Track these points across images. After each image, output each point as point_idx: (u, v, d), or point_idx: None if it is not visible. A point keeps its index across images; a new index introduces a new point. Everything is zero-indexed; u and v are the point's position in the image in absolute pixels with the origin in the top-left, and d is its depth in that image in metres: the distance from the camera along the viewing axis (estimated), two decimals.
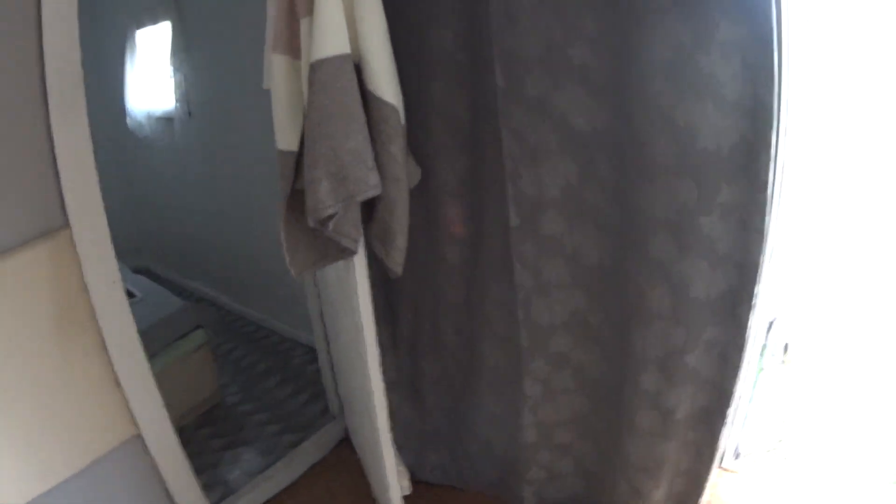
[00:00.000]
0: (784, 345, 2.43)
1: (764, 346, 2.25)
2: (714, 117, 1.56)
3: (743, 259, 1.70)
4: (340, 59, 1.62)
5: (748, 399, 2.31)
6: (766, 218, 1.64)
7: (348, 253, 1.86)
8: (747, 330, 1.79)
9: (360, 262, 1.90)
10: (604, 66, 1.71)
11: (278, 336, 4.29)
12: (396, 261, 1.90)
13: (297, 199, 1.80)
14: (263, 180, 3.76)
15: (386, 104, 1.73)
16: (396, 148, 1.77)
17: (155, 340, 2.95)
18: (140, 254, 5.69)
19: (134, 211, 5.55)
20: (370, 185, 1.70)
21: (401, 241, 1.87)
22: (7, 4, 1.57)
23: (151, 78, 4.83)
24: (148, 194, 5.49)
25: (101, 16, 5.06)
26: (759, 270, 1.70)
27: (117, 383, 1.93)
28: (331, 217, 1.69)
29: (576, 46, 1.72)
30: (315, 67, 1.60)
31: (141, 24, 4.71)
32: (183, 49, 4.32)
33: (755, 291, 1.73)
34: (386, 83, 1.73)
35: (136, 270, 4.68)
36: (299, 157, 1.77)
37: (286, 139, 1.78)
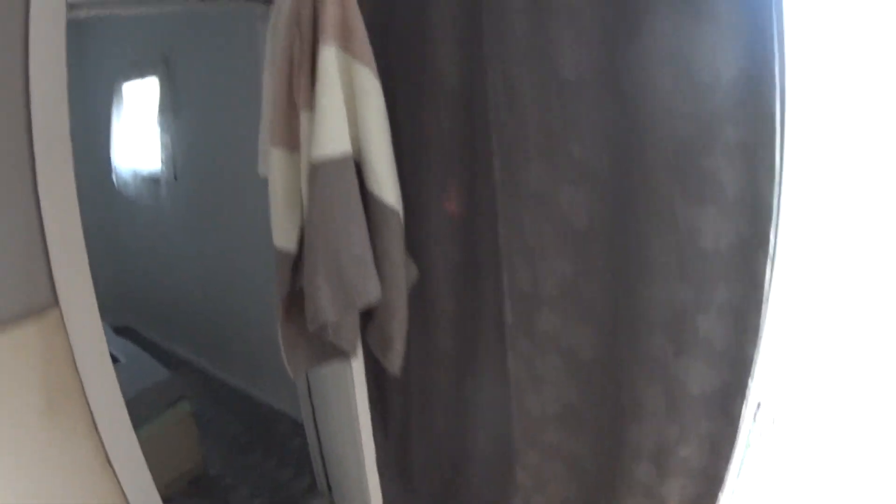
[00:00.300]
0: (770, 419, 2.42)
1: (751, 427, 2.25)
2: (715, 217, 1.57)
3: (737, 355, 1.70)
4: (342, 158, 1.61)
5: (735, 475, 2.30)
6: (762, 314, 1.64)
7: (346, 354, 1.85)
8: (740, 422, 1.78)
9: (357, 363, 1.90)
10: (605, 162, 1.72)
11: (263, 406, 4.21)
12: (394, 363, 1.87)
13: (294, 299, 1.78)
14: (250, 247, 3.76)
15: (387, 207, 1.72)
16: (397, 252, 1.76)
17: (138, 410, 2.91)
18: (122, 312, 5.61)
19: (118, 268, 5.52)
20: (371, 293, 1.69)
21: (399, 345, 1.85)
22: None
23: (138, 135, 4.81)
24: (133, 252, 5.45)
25: (89, 63, 5.09)
26: (752, 365, 1.70)
27: (108, 462, 1.90)
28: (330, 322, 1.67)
29: (577, 141, 1.73)
30: (316, 167, 1.59)
31: (128, 78, 4.72)
32: (171, 109, 4.32)
33: (748, 385, 1.72)
34: (387, 185, 1.72)
35: (119, 329, 4.63)
36: (297, 257, 1.75)
37: (284, 237, 1.77)
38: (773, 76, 1.43)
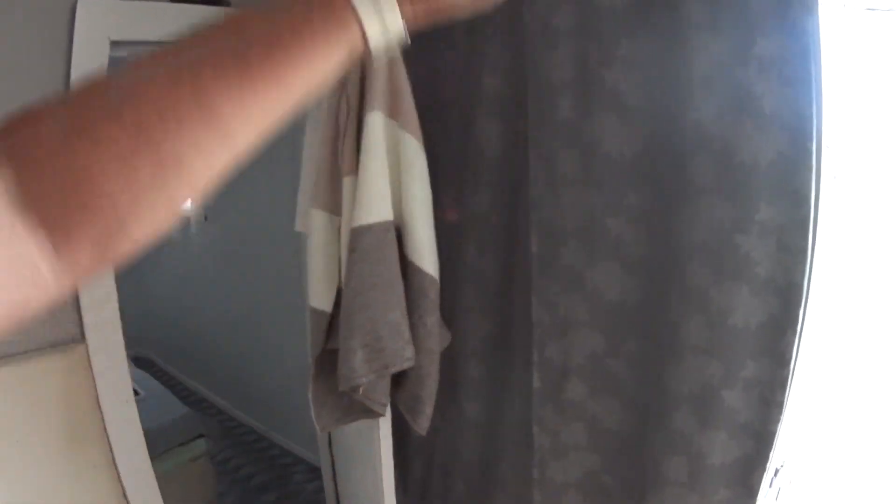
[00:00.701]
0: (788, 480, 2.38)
1: (767, 492, 2.23)
2: (746, 297, 1.57)
3: (761, 430, 1.69)
4: (384, 226, 1.62)
5: None
6: (787, 391, 1.63)
7: (375, 414, 1.86)
8: (758, 495, 1.77)
9: (384, 425, 1.90)
10: (641, 241, 1.73)
11: (279, 448, 4.18)
12: (423, 425, 1.86)
13: (326, 358, 1.79)
14: (276, 292, 3.76)
15: (426, 275, 1.73)
16: (432, 320, 1.76)
17: (155, 445, 2.91)
18: (143, 343, 5.64)
19: (141, 299, 5.52)
20: (406, 359, 1.69)
21: (429, 409, 1.84)
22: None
23: None
24: (158, 286, 5.48)
25: None
26: (775, 439, 1.69)
27: (125, 497, 1.91)
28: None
29: (614, 219, 1.75)
30: (358, 233, 1.60)
31: None
32: None
33: (769, 457, 1.72)
34: (427, 253, 1.72)
35: (138, 360, 4.64)
36: (332, 317, 1.76)
37: (320, 298, 1.78)
38: (810, 159, 1.44)
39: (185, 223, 4.78)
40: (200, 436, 3.29)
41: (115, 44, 1.75)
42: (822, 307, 1.68)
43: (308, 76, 0.52)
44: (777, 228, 1.51)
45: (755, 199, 1.51)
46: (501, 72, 1.91)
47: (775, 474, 2.25)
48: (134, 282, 5.44)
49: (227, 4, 2.04)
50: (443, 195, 1.96)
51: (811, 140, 1.43)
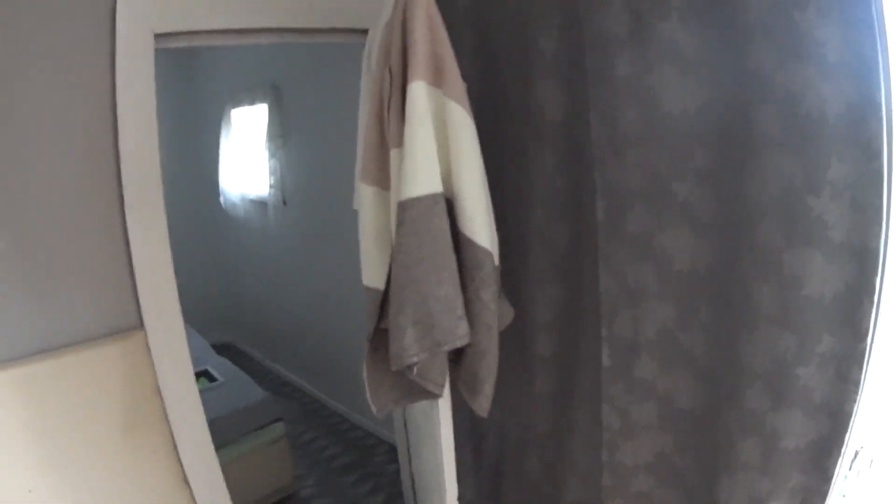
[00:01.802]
0: (868, 461, 2.27)
1: (847, 475, 2.14)
2: (820, 263, 1.50)
3: (837, 409, 1.61)
4: (432, 198, 1.58)
5: None
6: (864, 368, 1.55)
7: (433, 395, 1.82)
8: (833, 478, 1.70)
9: (444, 405, 1.87)
10: (709, 203, 1.66)
11: (362, 430, 4.24)
12: (483, 406, 1.79)
13: (381, 337, 1.76)
14: (355, 274, 3.78)
15: (479, 248, 1.66)
16: (489, 294, 1.69)
17: (233, 428, 2.98)
18: (226, 328, 5.78)
19: (223, 285, 5.66)
20: (459, 336, 1.63)
21: (489, 388, 1.77)
22: (81, 102, 1.63)
23: (247, 160, 4.94)
24: (240, 271, 5.59)
25: (199, 87, 5.28)
26: (851, 420, 1.62)
27: (185, 481, 1.94)
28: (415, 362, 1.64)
29: (681, 181, 1.69)
30: (405, 206, 1.56)
31: (238, 104, 4.84)
32: (280, 135, 4.42)
33: (846, 440, 1.65)
34: (480, 225, 1.66)
35: (221, 345, 4.75)
36: (385, 294, 1.73)
37: (372, 276, 1.76)
38: (879, 110, 1.36)
39: (264, 208, 4.86)
40: (279, 419, 3.34)
41: (159, 36, 1.76)
42: None
43: None
44: (849, 186, 1.42)
45: (825, 154, 1.43)
46: (556, 30, 1.85)
47: (854, 457, 2.15)
48: (215, 268, 5.57)
49: None
50: (507, 162, 1.90)
51: (878, 89, 1.35)
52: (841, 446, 1.65)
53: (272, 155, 4.55)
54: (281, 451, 3.36)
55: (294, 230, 4.67)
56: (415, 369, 1.67)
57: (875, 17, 1.33)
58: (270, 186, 4.65)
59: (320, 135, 4.09)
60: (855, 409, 1.60)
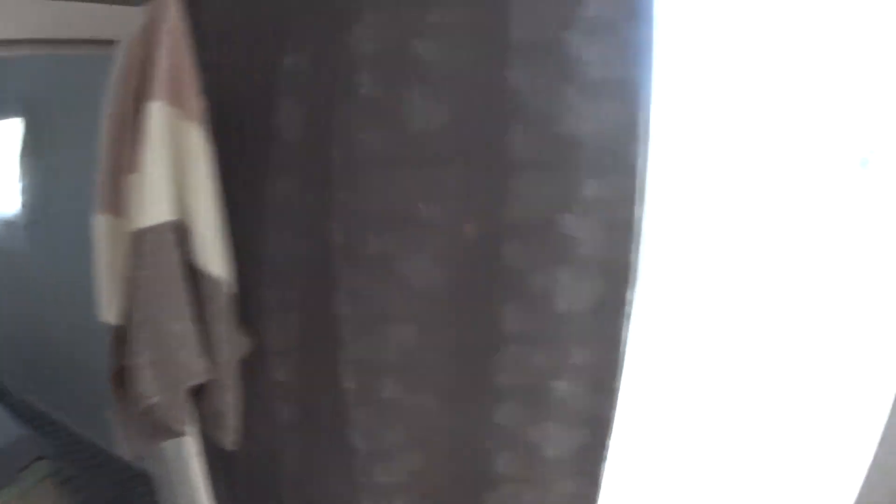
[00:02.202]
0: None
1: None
2: (569, 280, 1.54)
3: (596, 417, 1.68)
4: (165, 227, 1.50)
5: None
6: (618, 376, 1.62)
7: (178, 434, 1.72)
8: (600, 481, 1.77)
9: (191, 441, 1.80)
10: (454, 225, 1.66)
11: (126, 465, 3.92)
12: (227, 438, 1.75)
13: (125, 375, 1.63)
14: None
15: (212, 280, 1.60)
16: (224, 327, 1.64)
17: None
18: None
19: None
20: (197, 372, 1.58)
21: (231, 420, 1.74)
22: None
23: None
24: None
25: None
26: (611, 426, 1.68)
27: None
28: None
29: (427, 202, 1.67)
30: (138, 237, 1.47)
31: None
32: (33, 153, 4.14)
33: (607, 445, 1.71)
34: (213, 254, 1.60)
35: None
36: (121, 329, 1.61)
37: (109, 311, 1.63)
38: (636, 129, 1.42)
39: (16, 229, 4.51)
40: (40, 457, 3.16)
41: None
42: (656, 288, 1.68)
43: None
44: (602, 203, 1.47)
45: (581, 172, 1.47)
46: (301, 47, 1.80)
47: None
48: None
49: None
50: (242, 184, 1.85)
51: (637, 108, 1.41)
52: (603, 451, 1.71)
53: (24, 174, 4.24)
54: (45, 492, 3.15)
55: (47, 250, 4.36)
56: (157, 409, 1.58)
57: (642, 38, 1.39)
58: (21, 206, 4.32)
59: (79, 152, 3.85)
60: (613, 415, 1.66)
